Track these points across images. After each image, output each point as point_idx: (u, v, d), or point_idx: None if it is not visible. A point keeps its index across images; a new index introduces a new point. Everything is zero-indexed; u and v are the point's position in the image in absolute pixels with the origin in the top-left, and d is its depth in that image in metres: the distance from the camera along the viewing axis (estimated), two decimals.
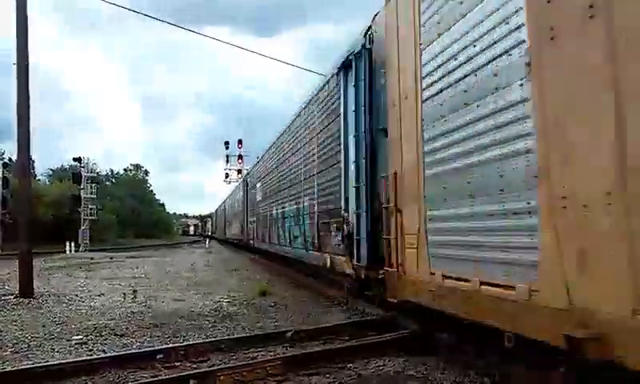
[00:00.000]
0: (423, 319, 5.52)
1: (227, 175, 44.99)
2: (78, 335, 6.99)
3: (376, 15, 6.73)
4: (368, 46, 6.97)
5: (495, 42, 3.86)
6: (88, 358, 5.68)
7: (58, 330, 7.48)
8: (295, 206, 11.74)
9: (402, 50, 5.54)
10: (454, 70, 4.45)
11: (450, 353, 5.25)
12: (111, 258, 25.29)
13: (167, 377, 4.92)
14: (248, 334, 6.75)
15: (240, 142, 44.70)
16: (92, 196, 39.74)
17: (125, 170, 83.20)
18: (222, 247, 41.15)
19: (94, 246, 38.54)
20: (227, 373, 4.83)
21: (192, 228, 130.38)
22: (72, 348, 6.35)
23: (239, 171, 42.87)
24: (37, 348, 6.39)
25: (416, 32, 5.12)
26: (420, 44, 5.05)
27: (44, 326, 7.74)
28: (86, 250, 35.07)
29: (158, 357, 5.58)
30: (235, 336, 6.69)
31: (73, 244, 33.59)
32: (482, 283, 3.98)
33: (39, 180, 55.90)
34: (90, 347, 6.37)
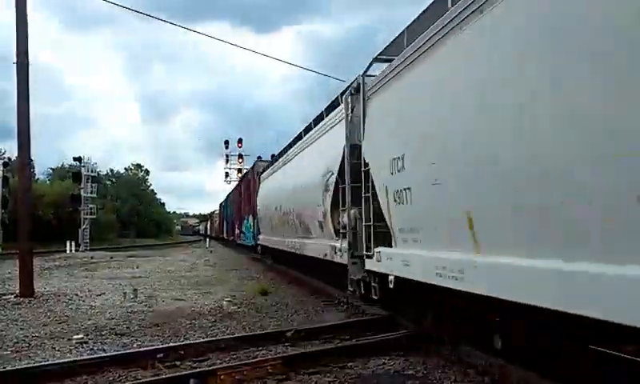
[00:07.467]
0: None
1: (227, 174, 44.93)
2: (78, 334, 6.99)
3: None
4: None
5: None
6: (88, 357, 5.69)
7: (59, 329, 7.50)
8: None
9: None
10: None
11: (450, 352, 5.26)
12: (111, 258, 25.30)
13: (167, 376, 4.93)
14: (248, 333, 6.76)
15: (240, 141, 44.44)
16: (92, 195, 39.66)
17: (125, 169, 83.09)
18: (221, 247, 41.15)
19: (95, 245, 38.47)
20: (227, 372, 4.84)
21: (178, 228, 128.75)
22: (73, 347, 6.37)
23: (239, 170, 42.80)
24: (37, 347, 6.40)
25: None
26: None
27: (45, 325, 7.76)
28: (86, 250, 35.04)
29: (158, 356, 5.58)
30: (235, 335, 6.70)
31: (73, 243, 33.57)
32: None
33: (38, 179, 55.77)
34: (91, 346, 6.39)
